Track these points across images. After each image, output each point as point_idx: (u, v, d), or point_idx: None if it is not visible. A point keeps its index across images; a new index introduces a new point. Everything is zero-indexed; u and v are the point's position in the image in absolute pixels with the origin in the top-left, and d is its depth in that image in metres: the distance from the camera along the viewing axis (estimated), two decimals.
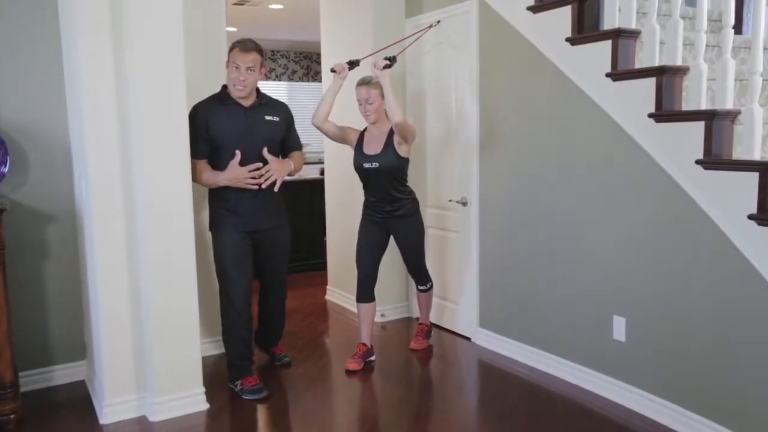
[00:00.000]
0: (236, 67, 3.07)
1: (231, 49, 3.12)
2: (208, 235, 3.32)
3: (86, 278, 3.15)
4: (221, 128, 3.10)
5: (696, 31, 2.72)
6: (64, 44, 3.23)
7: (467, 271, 4.02)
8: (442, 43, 4.07)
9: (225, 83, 3.21)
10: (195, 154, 3.05)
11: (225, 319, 3.26)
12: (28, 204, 3.26)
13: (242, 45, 3.08)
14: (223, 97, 3.17)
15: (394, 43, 3.90)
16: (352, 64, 3.51)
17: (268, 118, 3.21)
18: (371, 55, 3.76)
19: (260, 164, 3.13)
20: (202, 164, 3.12)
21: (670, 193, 2.75)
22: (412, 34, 4.09)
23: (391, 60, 3.37)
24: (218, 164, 3.12)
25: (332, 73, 3.48)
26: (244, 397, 3.20)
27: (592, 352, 3.20)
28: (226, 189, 3.14)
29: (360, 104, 3.50)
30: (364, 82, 3.47)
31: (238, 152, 3.07)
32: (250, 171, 3.09)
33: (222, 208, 3.19)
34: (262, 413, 3.09)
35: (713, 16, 3.53)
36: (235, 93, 3.13)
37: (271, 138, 3.21)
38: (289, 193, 3.92)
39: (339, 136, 3.62)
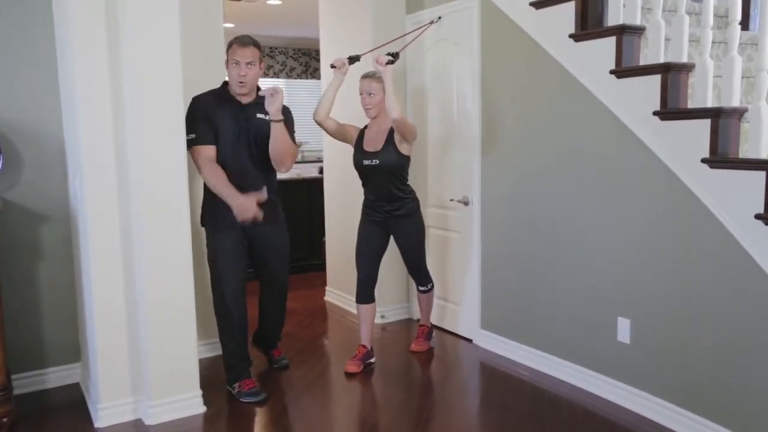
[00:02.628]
0: (236, 63, 3.06)
1: (229, 47, 3.10)
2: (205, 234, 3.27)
3: (81, 278, 3.10)
4: (216, 124, 3.07)
5: (702, 27, 2.68)
6: (58, 42, 3.19)
7: (469, 271, 3.97)
8: (443, 39, 4.02)
9: (226, 79, 3.19)
10: (199, 139, 3.01)
11: (218, 318, 3.23)
12: (22, 203, 3.22)
13: (240, 41, 3.07)
14: (222, 93, 3.17)
15: (394, 40, 3.87)
16: (353, 59, 3.48)
17: (259, 116, 3.16)
18: (372, 50, 3.72)
19: (265, 195, 3.04)
20: (210, 152, 3.03)
21: (675, 192, 2.71)
22: (413, 31, 4.05)
23: (394, 56, 3.36)
24: None
25: (332, 69, 3.44)
26: (241, 399, 3.16)
27: (596, 354, 3.16)
28: None
29: (362, 97, 3.47)
30: (368, 75, 3.46)
31: (263, 192, 3.00)
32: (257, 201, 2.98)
33: (214, 201, 3.14)
34: (260, 416, 3.06)
35: (719, 11, 3.48)
36: (237, 90, 3.11)
37: (260, 138, 3.14)
38: (287, 193, 3.88)
39: (339, 133, 3.58)
